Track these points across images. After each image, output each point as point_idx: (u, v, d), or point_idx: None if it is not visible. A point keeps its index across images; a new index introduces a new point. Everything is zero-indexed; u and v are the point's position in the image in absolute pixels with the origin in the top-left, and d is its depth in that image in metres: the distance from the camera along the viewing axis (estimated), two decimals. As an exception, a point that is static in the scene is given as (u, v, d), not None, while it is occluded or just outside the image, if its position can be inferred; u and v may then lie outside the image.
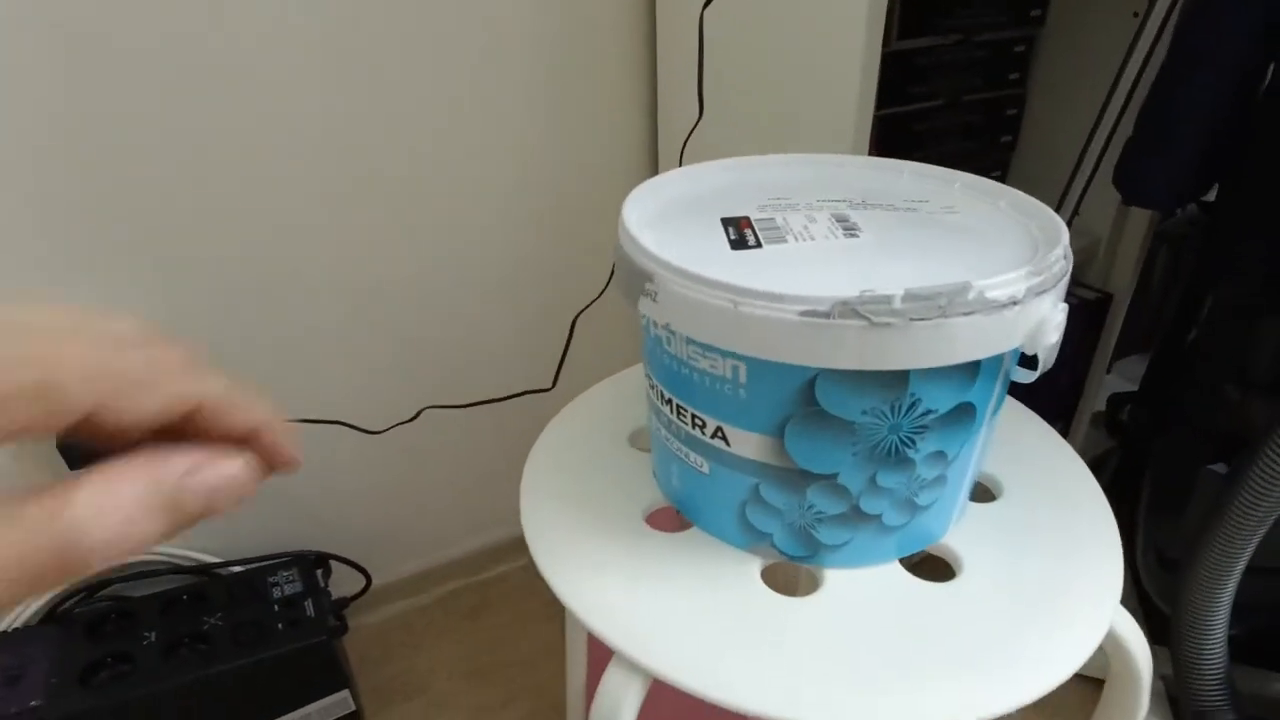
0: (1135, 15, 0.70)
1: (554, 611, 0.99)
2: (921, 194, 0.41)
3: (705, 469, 0.37)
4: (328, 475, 0.89)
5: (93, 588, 0.80)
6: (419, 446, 0.93)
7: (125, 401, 0.18)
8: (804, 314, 0.29)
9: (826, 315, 0.28)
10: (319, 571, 0.85)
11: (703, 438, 0.36)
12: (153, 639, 0.73)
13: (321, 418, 0.84)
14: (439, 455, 0.95)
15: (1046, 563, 0.38)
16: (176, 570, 0.83)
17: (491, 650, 0.98)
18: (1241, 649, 0.70)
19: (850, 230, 0.36)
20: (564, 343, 0.87)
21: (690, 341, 0.33)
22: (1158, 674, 0.72)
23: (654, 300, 0.33)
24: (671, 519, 0.42)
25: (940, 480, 0.35)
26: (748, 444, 0.34)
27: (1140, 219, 0.84)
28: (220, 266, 0.74)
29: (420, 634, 1.01)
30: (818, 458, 0.33)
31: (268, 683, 0.74)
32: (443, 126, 0.78)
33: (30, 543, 0.15)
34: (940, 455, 0.34)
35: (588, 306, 0.88)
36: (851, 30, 0.58)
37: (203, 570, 0.85)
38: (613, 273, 0.87)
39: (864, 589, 0.37)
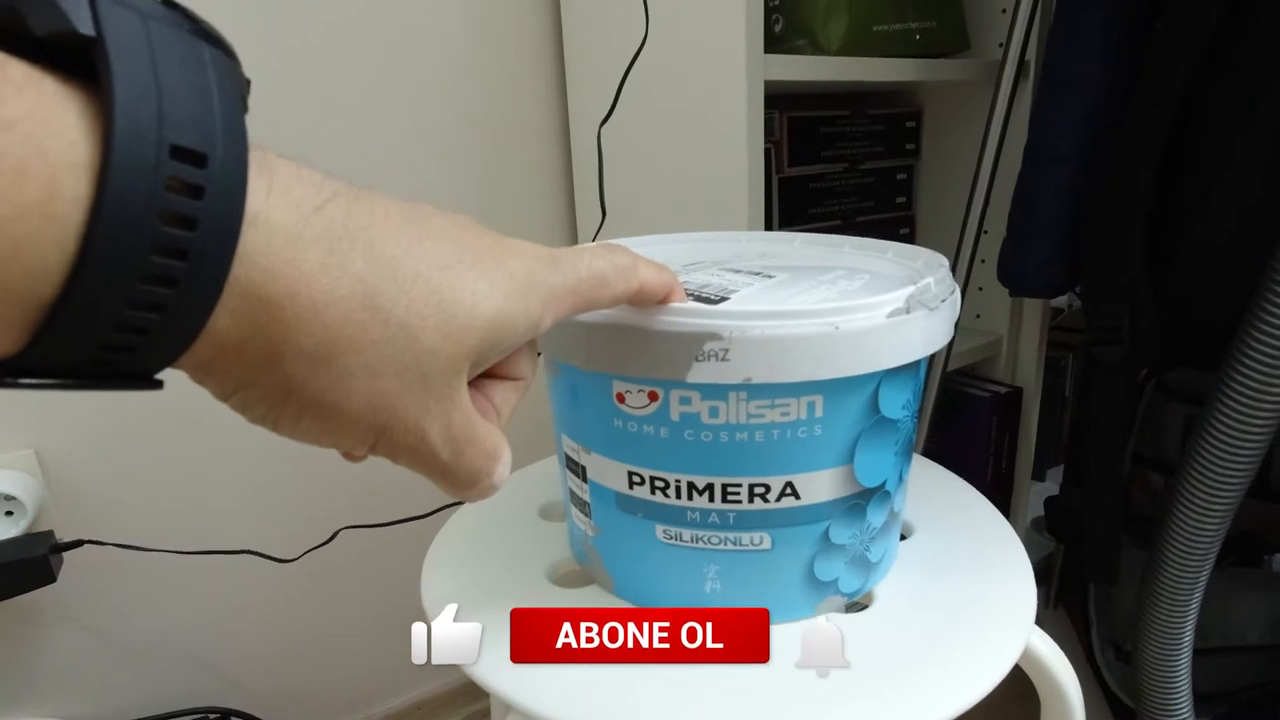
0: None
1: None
2: (814, 255, 0.44)
3: (766, 544, 0.34)
4: (232, 617, 0.81)
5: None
6: (336, 578, 0.85)
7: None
8: (891, 314, 0.30)
9: (906, 310, 0.31)
10: (218, 737, 0.73)
11: (764, 506, 0.33)
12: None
13: (226, 548, 0.76)
14: (359, 586, 0.87)
15: (958, 585, 0.38)
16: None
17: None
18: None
19: (767, 275, 0.39)
20: None
21: (757, 397, 0.31)
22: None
23: (722, 360, 0.29)
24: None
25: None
26: (820, 485, 0.33)
27: (1034, 311, 0.87)
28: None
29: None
30: (878, 468, 0.34)
31: None
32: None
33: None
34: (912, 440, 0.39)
35: None
36: (734, 156, 0.61)
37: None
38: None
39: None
